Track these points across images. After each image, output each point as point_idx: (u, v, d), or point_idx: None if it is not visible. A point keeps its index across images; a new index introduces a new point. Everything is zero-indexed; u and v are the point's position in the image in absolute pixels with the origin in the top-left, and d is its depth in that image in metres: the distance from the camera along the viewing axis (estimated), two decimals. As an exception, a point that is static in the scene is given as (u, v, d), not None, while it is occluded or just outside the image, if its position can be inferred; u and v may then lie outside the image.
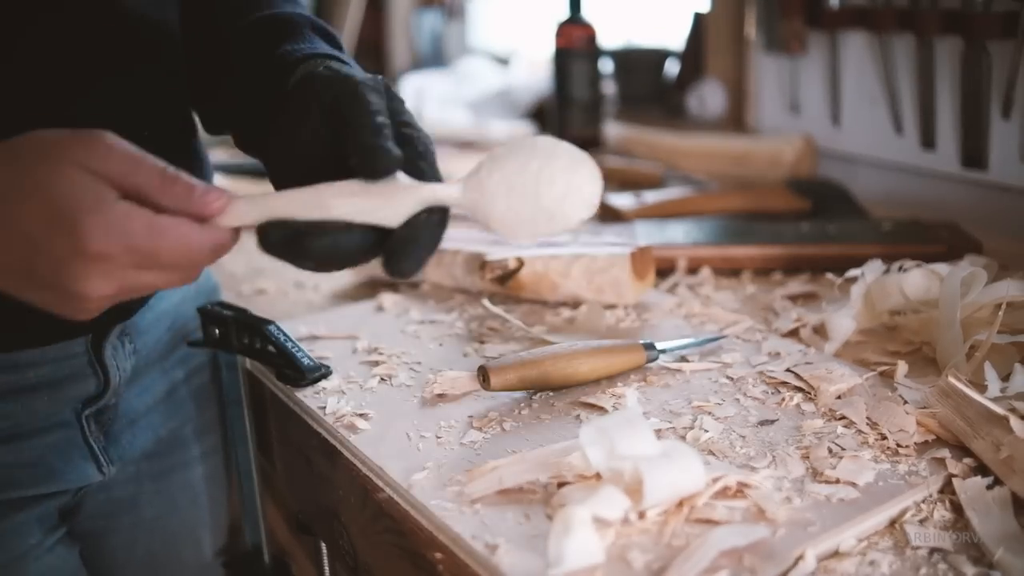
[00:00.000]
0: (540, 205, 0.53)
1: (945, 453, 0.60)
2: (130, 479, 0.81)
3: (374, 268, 0.94)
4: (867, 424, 0.64)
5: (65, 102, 0.64)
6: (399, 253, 0.52)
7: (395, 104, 0.57)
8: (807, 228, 1.01)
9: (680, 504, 0.54)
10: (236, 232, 0.52)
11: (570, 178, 0.53)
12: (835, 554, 0.51)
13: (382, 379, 0.74)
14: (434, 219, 0.53)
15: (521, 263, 0.88)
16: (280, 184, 0.57)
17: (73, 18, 0.63)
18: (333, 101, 0.55)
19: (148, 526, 0.84)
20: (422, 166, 0.54)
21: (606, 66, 1.73)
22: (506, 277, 0.88)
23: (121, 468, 0.79)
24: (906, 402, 0.66)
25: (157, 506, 0.84)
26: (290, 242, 0.51)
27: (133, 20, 0.68)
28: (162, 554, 0.86)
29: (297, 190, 0.51)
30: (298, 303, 0.97)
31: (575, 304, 0.88)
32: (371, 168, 0.51)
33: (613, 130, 1.60)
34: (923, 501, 0.56)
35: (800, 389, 0.70)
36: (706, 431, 0.64)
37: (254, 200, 0.51)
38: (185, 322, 0.84)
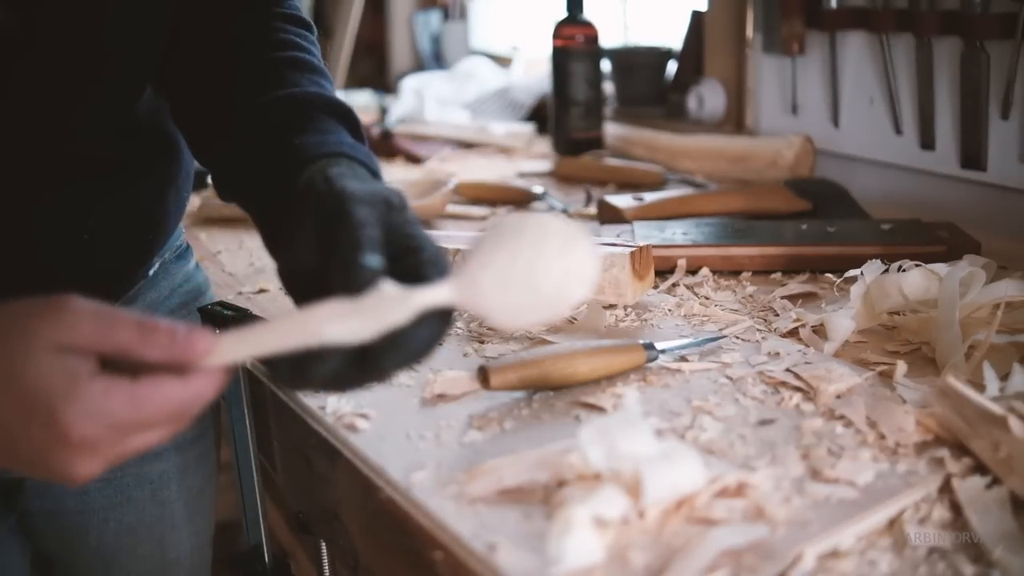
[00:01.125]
0: (539, 295, 0.50)
1: (944, 453, 0.60)
2: None
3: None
4: (866, 424, 0.64)
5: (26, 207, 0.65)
6: (378, 355, 0.49)
7: (395, 215, 0.54)
8: (807, 228, 1.01)
9: (679, 504, 0.54)
10: (226, 371, 0.48)
11: (566, 262, 0.50)
12: (834, 553, 0.51)
13: (382, 379, 0.74)
14: (426, 325, 0.50)
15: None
16: (288, 287, 0.56)
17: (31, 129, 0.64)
18: (324, 218, 0.54)
19: (99, 515, 0.84)
20: (428, 271, 0.52)
21: (606, 66, 1.73)
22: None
23: None
24: (905, 402, 0.66)
25: (108, 496, 0.84)
26: (295, 371, 0.49)
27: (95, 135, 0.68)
28: (115, 545, 0.85)
29: (284, 318, 0.49)
30: (298, 303, 0.97)
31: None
32: (345, 284, 0.49)
33: (613, 130, 1.60)
34: (922, 500, 0.56)
35: (799, 389, 0.70)
36: (705, 431, 0.64)
37: (241, 336, 0.48)
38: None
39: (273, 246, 0.63)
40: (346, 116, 0.67)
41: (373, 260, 0.50)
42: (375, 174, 0.62)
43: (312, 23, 0.76)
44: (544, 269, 0.50)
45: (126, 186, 0.74)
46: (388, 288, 0.49)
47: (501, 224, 0.51)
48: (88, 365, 0.45)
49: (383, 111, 1.97)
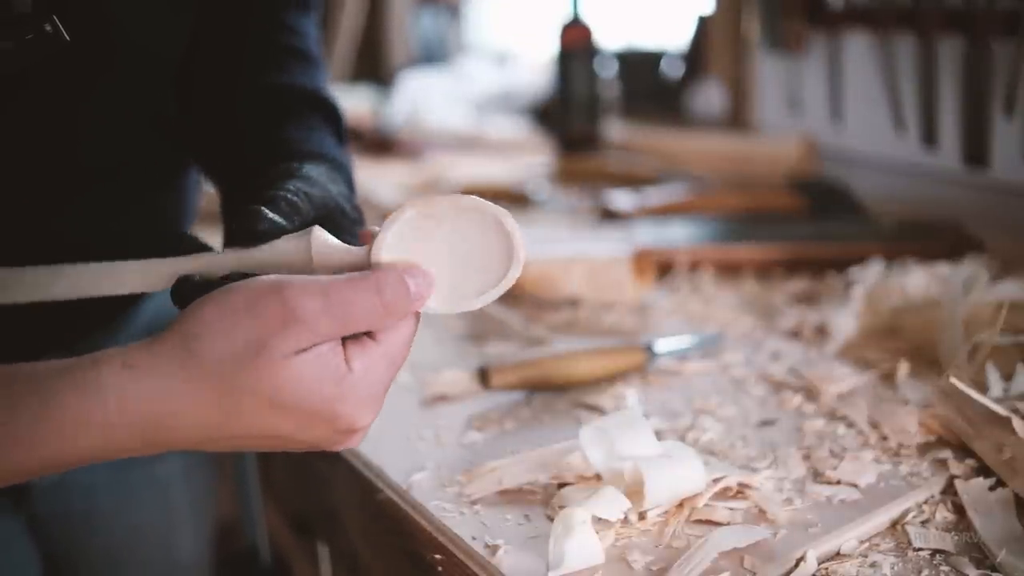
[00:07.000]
0: (459, 291, 0.46)
1: (947, 454, 0.59)
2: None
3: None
4: (868, 425, 0.63)
5: (45, 214, 0.65)
6: None
7: (346, 225, 0.54)
8: (807, 228, 1.00)
9: (680, 505, 0.54)
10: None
11: (487, 259, 0.46)
12: (836, 555, 0.51)
13: (382, 379, 0.74)
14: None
15: (521, 263, 0.87)
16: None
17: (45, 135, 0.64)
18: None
19: (106, 516, 0.83)
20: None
21: (609, 67, 1.73)
22: (506, 277, 0.88)
23: None
24: (908, 402, 0.66)
25: (116, 497, 0.83)
26: None
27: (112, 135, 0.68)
28: (121, 547, 0.85)
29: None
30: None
31: (575, 304, 0.88)
32: (246, 227, 0.49)
33: (614, 129, 1.60)
34: (925, 502, 0.55)
35: (801, 389, 0.69)
36: (706, 432, 0.63)
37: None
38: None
39: (227, 221, 0.63)
40: (331, 113, 0.67)
41: (275, 217, 0.49)
42: (348, 177, 0.62)
43: (315, 4, 0.76)
44: (461, 263, 0.46)
45: (149, 192, 0.73)
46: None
47: (421, 211, 0.45)
48: (339, 353, 0.43)
49: (381, 108, 1.97)
